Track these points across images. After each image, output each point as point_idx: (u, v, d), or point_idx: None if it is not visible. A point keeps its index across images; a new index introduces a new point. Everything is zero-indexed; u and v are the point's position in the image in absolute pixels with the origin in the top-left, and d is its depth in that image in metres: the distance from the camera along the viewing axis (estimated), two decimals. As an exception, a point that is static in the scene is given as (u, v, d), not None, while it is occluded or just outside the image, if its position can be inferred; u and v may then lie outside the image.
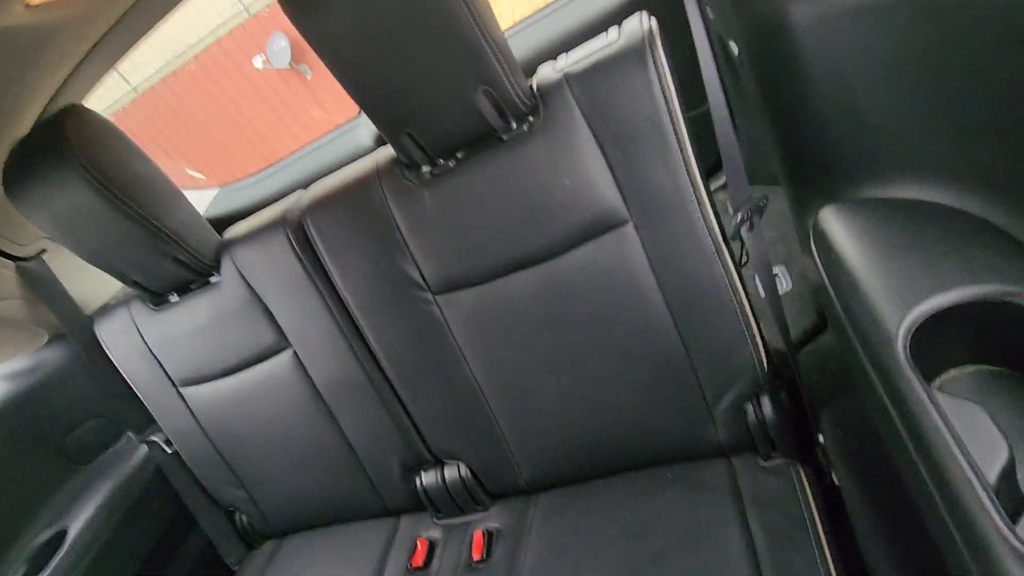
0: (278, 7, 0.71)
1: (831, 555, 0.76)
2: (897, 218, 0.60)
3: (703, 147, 0.79)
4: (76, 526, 1.17)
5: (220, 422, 1.20)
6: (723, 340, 0.85)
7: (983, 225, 0.55)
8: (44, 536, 1.18)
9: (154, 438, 1.28)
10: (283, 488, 1.25)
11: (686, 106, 0.77)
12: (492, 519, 1.09)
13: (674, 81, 0.75)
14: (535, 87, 0.81)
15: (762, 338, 0.86)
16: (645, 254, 0.82)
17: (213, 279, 1.07)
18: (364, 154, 1.00)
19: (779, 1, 0.61)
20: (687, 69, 0.79)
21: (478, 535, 1.05)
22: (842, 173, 0.67)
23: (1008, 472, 0.44)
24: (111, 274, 1.03)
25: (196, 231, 1.03)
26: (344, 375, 1.06)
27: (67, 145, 0.85)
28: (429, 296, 0.95)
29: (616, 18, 0.83)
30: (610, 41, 0.77)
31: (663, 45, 0.74)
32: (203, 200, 1.65)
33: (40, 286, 1.16)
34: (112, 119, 0.97)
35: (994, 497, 0.42)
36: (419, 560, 1.08)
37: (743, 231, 0.79)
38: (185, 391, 1.19)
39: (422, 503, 1.16)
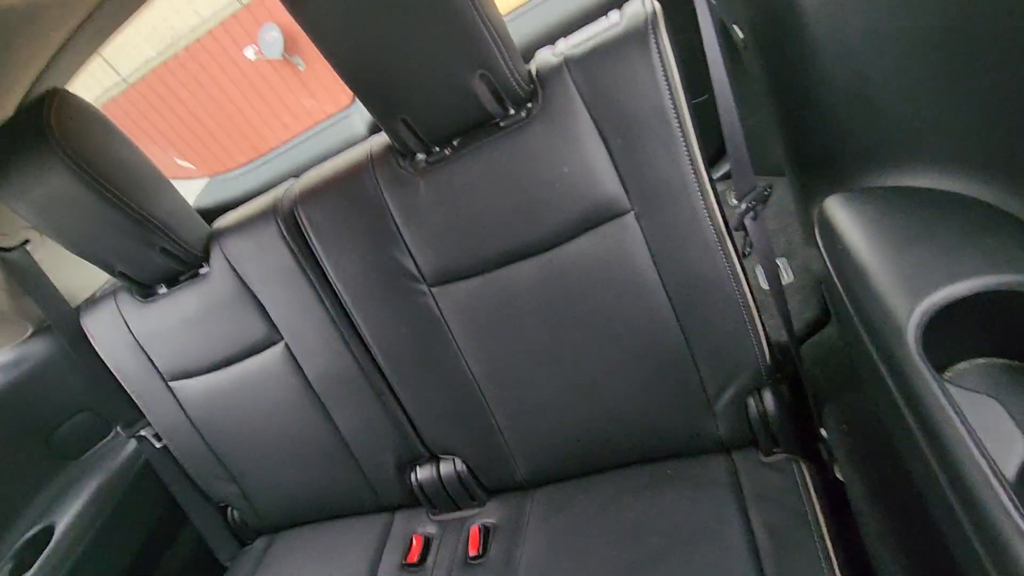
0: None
1: (834, 552, 0.74)
2: (908, 207, 0.58)
3: (703, 136, 0.77)
4: (63, 523, 1.15)
5: (211, 416, 1.18)
6: (725, 333, 0.83)
7: (1001, 215, 0.53)
8: (30, 533, 1.15)
9: (143, 433, 1.26)
10: (276, 483, 1.23)
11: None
12: (489, 515, 1.07)
13: (678, 66, 0.72)
14: (534, 72, 0.79)
15: (764, 331, 0.84)
16: (646, 244, 0.80)
17: (202, 270, 1.04)
18: (358, 143, 0.97)
19: (788, -18, 0.59)
20: (687, 58, 0.77)
21: (474, 531, 1.04)
22: (851, 160, 0.65)
23: (1026, 468, 0.42)
24: (97, 265, 1.00)
25: (184, 221, 1.00)
26: (337, 369, 1.04)
27: (48, 130, 0.82)
28: (424, 288, 0.93)
29: (618, 2, 0.80)
30: (611, 24, 0.75)
31: (667, 29, 0.72)
32: (192, 191, 1.62)
33: (24, 277, 1.13)
34: (102, 110, 0.95)
35: (1012, 494, 0.40)
36: (414, 556, 1.06)
37: (747, 221, 0.77)
38: (174, 385, 1.17)
39: (417, 499, 1.14)
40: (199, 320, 1.07)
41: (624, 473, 0.99)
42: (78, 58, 1.03)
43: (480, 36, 0.70)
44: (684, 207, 0.77)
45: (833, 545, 0.75)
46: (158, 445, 1.26)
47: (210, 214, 1.15)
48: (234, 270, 1.02)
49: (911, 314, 0.50)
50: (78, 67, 1.06)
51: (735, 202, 0.79)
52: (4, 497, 1.17)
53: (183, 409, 1.19)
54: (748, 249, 0.81)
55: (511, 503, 1.07)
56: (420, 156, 0.85)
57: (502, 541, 1.01)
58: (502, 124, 0.80)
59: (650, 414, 0.92)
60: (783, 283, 1.09)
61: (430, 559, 1.06)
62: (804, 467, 0.86)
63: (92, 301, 1.16)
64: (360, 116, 1.41)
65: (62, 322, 1.16)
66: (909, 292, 0.51)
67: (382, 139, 0.90)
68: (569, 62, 0.76)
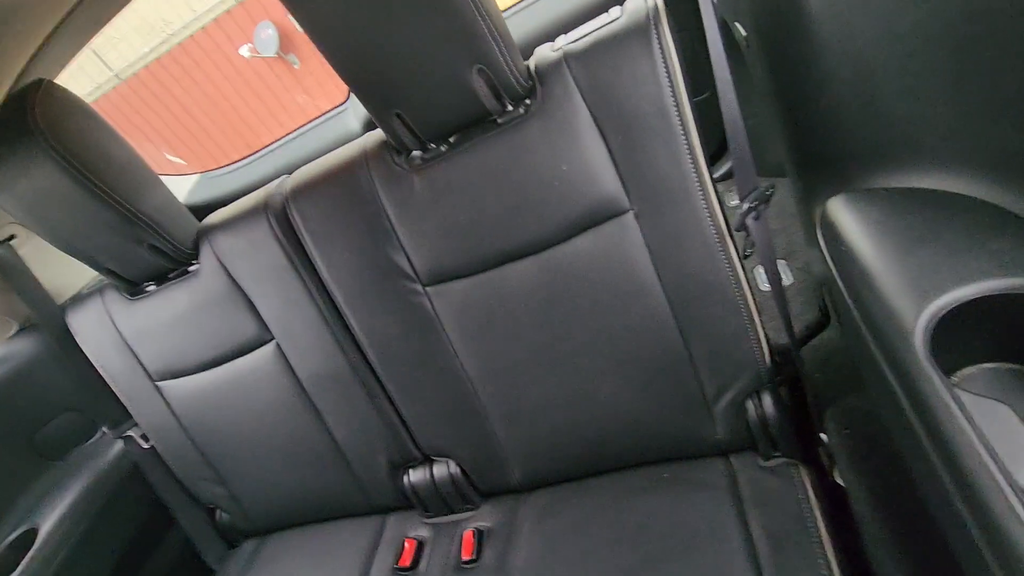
0: None
1: (834, 558, 0.73)
2: (914, 208, 0.57)
3: (703, 135, 0.76)
4: (47, 525, 1.12)
5: (199, 417, 1.16)
6: (724, 334, 0.82)
7: (1008, 217, 0.52)
8: (13, 535, 1.13)
9: (130, 433, 1.24)
10: (265, 485, 1.21)
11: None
12: (483, 518, 1.06)
13: (680, 63, 0.71)
14: (532, 68, 0.77)
15: (764, 333, 0.83)
16: (645, 244, 0.79)
17: (192, 268, 1.02)
18: (352, 140, 0.96)
19: (794, -23, 0.58)
20: (687, 56, 0.76)
21: (468, 535, 1.02)
22: (855, 161, 0.64)
23: (1040, 475, 0.41)
24: (84, 262, 0.98)
25: (174, 217, 0.98)
26: (329, 369, 1.02)
27: (33, 122, 0.80)
28: (419, 287, 0.91)
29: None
30: (612, 19, 0.74)
31: (669, 25, 0.71)
32: (183, 188, 1.59)
33: (8, 274, 1.11)
34: (94, 106, 0.92)
35: None
36: (406, 560, 1.05)
37: (748, 221, 0.76)
38: (162, 385, 1.14)
39: (410, 501, 1.12)
40: (188, 319, 1.05)
41: (620, 476, 0.97)
42: (67, 50, 1.01)
43: (478, 30, 0.68)
44: (684, 206, 0.75)
45: (833, 550, 0.74)
46: (145, 446, 1.24)
47: (201, 211, 1.13)
48: (224, 268, 0.99)
49: (918, 317, 0.49)
50: (68, 59, 1.04)
51: (735, 202, 0.78)
52: (-14, 498, 1.14)
53: (171, 409, 1.16)
54: (749, 250, 0.80)
55: (505, 506, 1.05)
56: (416, 153, 0.84)
57: (496, 545, 0.99)
58: (500, 121, 0.78)
59: (647, 416, 0.91)
60: (783, 285, 1.09)
61: (423, 563, 1.04)
62: (803, 471, 0.85)
63: (78, 298, 1.14)
64: (354, 113, 1.40)
65: (48, 320, 1.14)
66: (916, 295, 0.50)
67: (377, 135, 0.89)
68: (569, 57, 0.75)
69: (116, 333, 1.10)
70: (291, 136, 1.52)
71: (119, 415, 1.23)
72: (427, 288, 0.91)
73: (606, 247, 0.81)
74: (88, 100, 0.92)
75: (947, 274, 0.50)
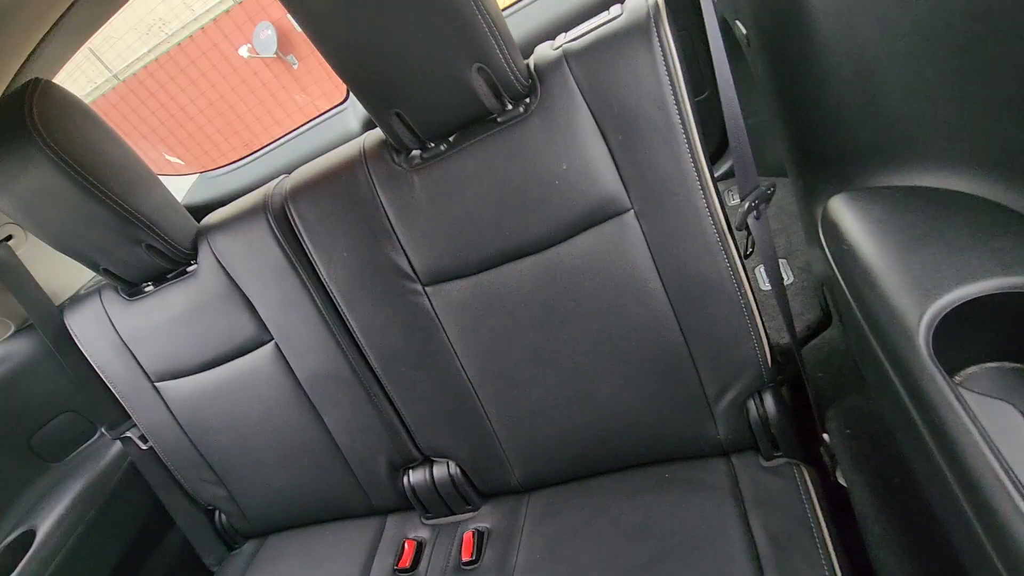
0: None
1: (836, 558, 0.73)
2: (916, 207, 0.57)
3: (703, 135, 0.75)
4: (45, 526, 1.12)
5: (198, 418, 1.15)
6: (726, 334, 0.81)
7: (1011, 215, 0.51)
8: (11, 537, 1.12)
9: (128, 434, 1.23)
10: (265, 486, 1.20)
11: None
12: (483, 519, 1.05)
13: (680, 62, 0.71)
14: (532, 66, 0.77)
15: (765, 332, 0.83)
16: (646, 243, 0.79)
17: (190, 268, 1.02)
18: (351, 140, 0.95)
19: (795, -26, 0.57)
20: (686, 55, 0.75)
21: (468, 536, 1.01)
22: (856, 159, 0.64)
23: (1045, 475, 0.41)
24: (81, 262, 0.97)
25: (172, 217, 0.97)
26: (328, 369, 1.02)
27: (30, 122, 0.79)
28: (418, 287, 0.91)
29: None
30: (612, 17, 0.73)
31: (669, 23, 0.70)
32: (181, 188, 1.59)
33: (6, 274, 1.10)
34: (93, 107, 0.92)
35: None
36: (406, 561, 1.04)
37: (749, 220, 0.75)
38: (161, 386, 1.14)
39: (410, 502, 1.12)
40: (187, 319, 1.04)
41: (621, 477, 0.97)
42: (65, 50, 1.00)
43: (477, 29, 0.68)
44: (685, 205, 0.75)
45: (835, 551, 0.74)
46: (144, 447, 1.23)
47: (199, 211, 1.12)
48: (223, 268, 0.99)
49: (921, 316, 0.48)
50: (65, 59, 1.04)
51: (735, 201, 0.77)
52: (-17, 500, 1.13)
53: (169, 410, 1.16)
54: (750, 249, 0.80)
55: (506, 507, 1.05)
56: (415, 152, 0.83)
57: (496, 546, 0.99)
58: (499, 120, 0.78)
59: (648, 416, 0.90)
60: (784, 284, 1.08)
61: (422, 564, 1.04)
62: (805, 471, 0.84)
63: (76, 299, 1.13)
64: (354, 112, 1.39)
65: (45, 321, 1.13)
66: (918, 294, 0.50)
67: (376, 135, 0.88)
68: (568, 56, 0.74)
69: (114, 334, 1.10)
70: (290, 136, 1.52)
71: (118, 416, 1.22)
72: (427, 288, 0.91)
73: (606, 246, 0.80)
74: (86, 100, 0.92)
75: (949, 273, 0.49)
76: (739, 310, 0.79)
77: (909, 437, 0.54)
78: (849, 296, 0.59)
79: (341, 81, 0.76)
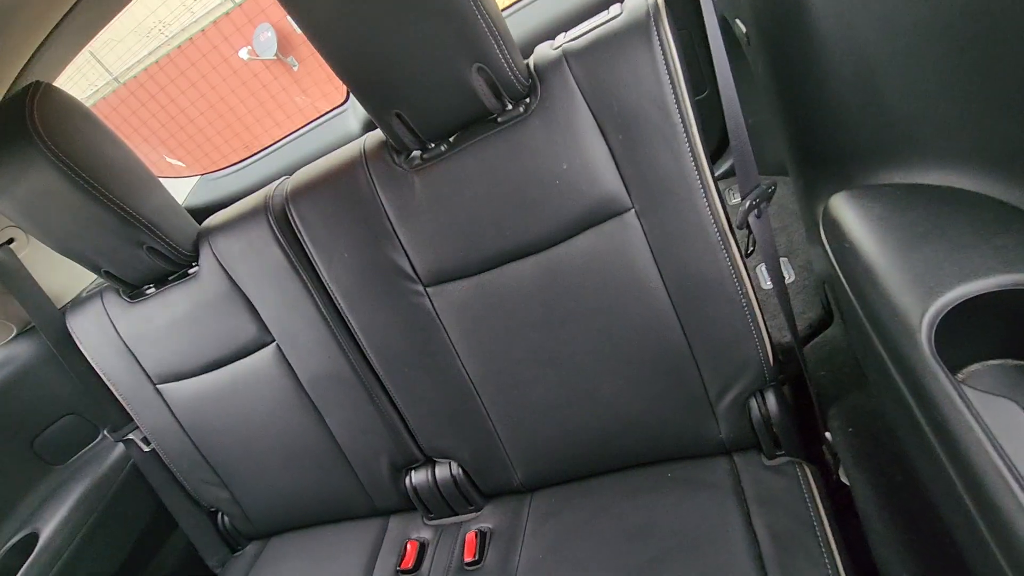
0: None
1: (839, 557, 0.73)
2: (917, 204, 0.57)
3: (703, 134, 0.75)
4: (48, 529, 1.12)
5: (200, 419, 1.15)
6: (727, 333, 0.81)
7: (1013, 212, 0.51)
8: (13, 540, 1.12)
9: (131, 436, 1.23)
10: (267, 488, 1.20)
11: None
12: (485, 519, 1.05)
13: (680, 61, 0.70)
14: (532, 66, 0.77)
15: (767, 331, 0.83)
16: (647, 243, 0.79)
17: (192, 270, 1.02)
18: (352, 141, 0.95)
19: (795, -28, 0.57)
20: (686, 54, 0.75)
21: (470, 536, 1.01)
22: (857, 157, 0.64)
23: (1049, 473, 0.40)
24: (82, 265, 0.97)
25: (173, 219, 0.97)
26: (330, 370, 1.02)
27: (31, 125, 0.79)
28: (419, 287, 0.91)
29: None
30: (612, 16, 0.73)
31: (669, 22, 0.70)
32: (182, 190, 1.59)
33: (7, 277, 1.11)
34: (93, 109, 0.92)
35: None
36: (409, 562, 1.04)
37: (750, 219, 0.75)
38: (163, 388, 1.14)
39: (412, 503, 1.12)
40: (188, 321, 1.04)
41: (623, 476, 0.97)
42: (65, 53, 1.00)
43: (477, 29, 0.68)
44: (686, 204, 0.75)
45: (837, 549, 0.74)
46: (146, 449, 1.23)
47: (200, 213, 1.12)
48: (224, 270, 0.99)
49: (924, 314, 0.48)
50: (66, 62, 1.04)
51: (736, 200, 0.77)
52: (-14, 503, 1.14)
53: (172, 412, 1.16)
54: (751, 248, 0.80)
55: (508, 507, 1.05)
56: (415, 152, 0.83)
57: (499, 546, 0.99)
58: (500, 120, 0.78)
59: (650, 416, 0.90)
60: (785, 283, 1.08)
61: (425, 565, 1.04)
62: (807, 470, 0.84)
63: (78, 302, 1.13)
64: (354, 113, 1.39)
65: (47, 323, 1.14)
66: (921, 291, 0.50)
67: (377, 136, 0.88)
68: (568, 55, 0.74)
69: (116, 336, 1.10)
70: (290, 137, 1.52)
71: (120, 418, 1.22)
72: (428, 288, 0.91)
73: (607, 246, 0.80)
74: (87, 103, 0.92)
75: (951, 270, 0.49)
76: (740, 309, 0.79)
77: (912, 435, 0.54)
78: (851, 294, 0.59)
79: (341, 82, 0.76)
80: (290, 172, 0.98)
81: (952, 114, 0.54)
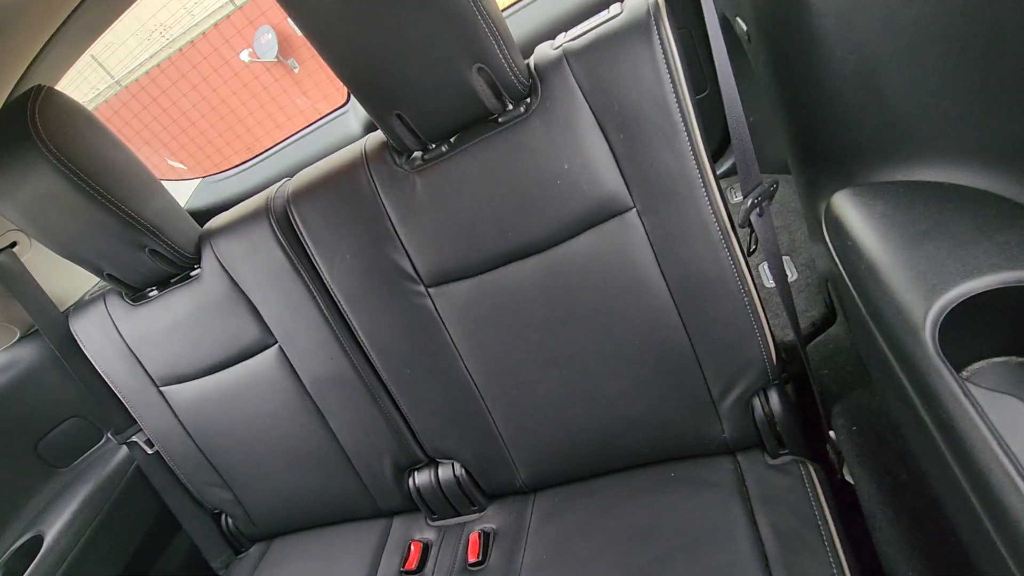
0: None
1: (844, 556, 0.72)
2: (920, 201, 0.57)
3: (704, 133, 0.75)
4: (53, 532, 1.12)
5: (204, 422, 1.16)
6: (730, 332, 0.81)
7: (1016, 208, 0.51)
8: (19, 543, 1.13)
9: (134, 439, 1.23)
10: (270, 489, 1.20)
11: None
12: (489, 520, 1.05)
13: (681, 59, 0.70)
14: (533, 66, 0.77)
15: (770, 330, 0.82)
16: (649, 242, 0.78)
17: (194, 272, 1.02)
18: (353, 142, 0.95)
19: (795, -30, 0.57)
20: (686, 53, 0.75)
21: (474, 537, 1.01)
22: (859, 155, 0.63)
23: (1054, 471, 0.40)
24: (85, 268, 0.97)
25: (175, 222, 0.98)
26: (332, 372, 1.02)
27: (33, 128, 0.79)
28: (421, 288, 0.91)
29: None
30: (612, 15, 0.73)
31: (669, 21, 0.70)
32: (184, 193, 1.59)
33: (10, 281, 1.11)
34: (96, 112, 0.92)
35: None
36: (412, 563, 1.04)
37: (752, 218, 0.75)
38: (166, 390, 1.14)
39: (415, 504, 1.12)
40: (191, 323, 1.04)
41: (627, 476, 0.97)
42: (67, 56, 1.01)
43: (477, 29, 0.68)
44: (688, 203, 0.75)
45: (842, 548, 0.74)
46: (150, 451, 1.23)
47: (202, 216, 1.12)
48: (226, 272, 0.99)
49: (927, 312, 0.48)
50: (67, 65, 1.04)
51: (738, 198, 0.77)
52: (-9, 506, 1.14)
53: (175, 414, 1.16)
54: (753, 246, 0.79)
55: (511, 508, 1.05)
56: (416, 153, 0.83)
57: (503, 547, 0.99)
58: (500, 120, 0.78)
59: (653, 416, 0.90)
60: (788, 281, 1.08)
61: (429, 565, 1.04)
62: (812, 469, 0.84)
63: (81, 305, 1.14)
64: (355, 115, 1.39)
65: (50, 326, 1.14)
66: (924, 289, 0.50)
67: (378, 137, 0.88)
68: (569, 55, 0.74)
69: (119, 339, 1.10)
70: (292, 139, 1.52)
71: (123, 421, 1.22)
72: (429, 289, 0.91)
73: (609, 245, 0.80)
74: (89, 106, 0.92)
75: (955, 267, 0.49)
76: (743, 308, 0.79)
77: (916, 433, 0.53)
78: (854, 292, 0.59)
79: (342, 84, 0.76)
80: (291, 174, 0.98)
81: (953, 111, 0.54)
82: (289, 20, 0.69)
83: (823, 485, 0.82)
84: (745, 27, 0.83)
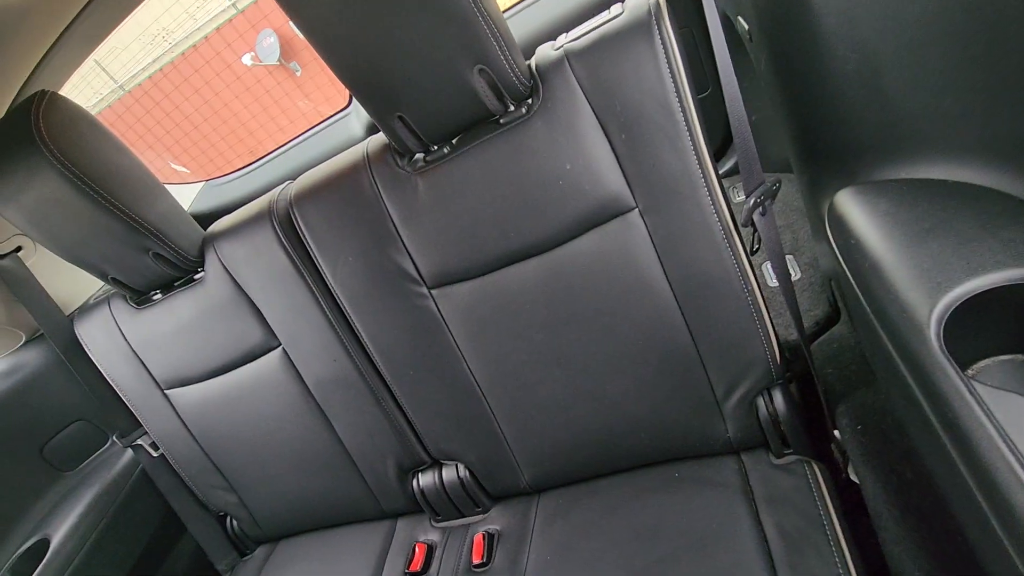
0: (266, 3, 0.66)
1: (850, 556, 0.72)
2: (923, 199, 0.57)
3: (706, 132, 0.75)
4: (59, 535, 1.12)
5: (208, 424, 1.16)
6: (733, 331, 0.81)
7: (1019, 205, 0.51)
8: (25, 546, 1.13)
9: (140, 442, 1.24)
10: (275, 492, 1.21)
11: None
12: (493, 521, 1.05)
13: (682, 59, 0.70)
14: (534, 67, 0.77)
15: (773, 329, 0.82)
16: (651, 242, 0.78)
17: (197, 276, 1.02)
18: (355, 144, 0.95)
19: (796, -32, 0.57)
20: (688, 53, 0.75)
21: (478, 538, 1.01)
22: (862, 153, 0.63)
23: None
24: (90, 272, 0.98)
25: (178, 225, 0.98)
26: (336, 374, 1.02)
27: (37, 133, 0.80)
28: (424, 290, 0.91)
29: None
30: (613, 15, 0.73)
31: (671, 20, 0.70)
32: (188, 196, 1.60)
33: (16, 285, 1.11)
34: (100, 117, 0.93)
35: None
36: (417, 564, 1.04)
37: (755, 217, 0.75)
38: (171, 393, 1.15)
39: (419, 505, 1.12)
40: (195, 326, 1.05)
41: (631, 476, 0.97)
42: (70, 61, 1.01)
43: (478, 30, 0.68)
44: (690, 203, 0.75)
45: (848, 548, 0.73)
46: (155, 454, 1.24)
47: (206, 219, 1.13)
48: (230, 275, 1.00)
49: (932, 310, 0.48)
50: (71, 71, 1.05)
51: (740, 198, 0.77)
52: (-2, 510, 1.14)
53: (180, 417, 1.17)
54: (756, 246, 0.79)
55: (516, 509, 1.05)
56: (418, 155, 0.84)
57: (507, 548, 0.99)
58: (502, 121, 0.78)
59: (657, 416, 0.90)
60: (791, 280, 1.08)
61: (433, 567, 1.04)
62: (816, 468, 0.84)
63: (86, 309, 1.14)
64: (357, 117, 1.40)
65: (56, 330, 1.14)
66: (928, 287, 0.49)
67: (380, 139, 0.88)
68: (570, 55, 0.74)
69: (124, 342, 1.10)
70: (294, 142, 1.52)
71: (128, 424, 1.23)
72: (432, 291, 0.91)
73: (611, 246, 0.80)
74: (92, 111, 0.93)
75: (959, 265, 0.49)
76: (746, 307, 0.79)
77: (922, 432, 0.53)
78: (858, 291, 0.59)
79: (344, 86, 0.76)
80: (294, 177, 0.98)
81: (956, 108, 0.54)
82: (291, 23, 0.70)
83: (828, 484, 0.81)
84: (746, 26, 0.83)
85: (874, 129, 0.61)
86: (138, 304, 1.07)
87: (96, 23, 0.96)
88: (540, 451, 0.99)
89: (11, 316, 1.16)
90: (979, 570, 0.50)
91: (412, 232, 0.87)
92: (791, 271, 1.11)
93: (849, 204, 0.62)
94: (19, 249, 1.13)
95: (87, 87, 5.41)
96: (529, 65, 0.77)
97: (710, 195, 0.74)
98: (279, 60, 4.95)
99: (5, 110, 0.93)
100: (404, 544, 1.11)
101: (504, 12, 0.85)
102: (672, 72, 0.70)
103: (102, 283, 1.28)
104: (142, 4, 1.00)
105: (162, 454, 1.24)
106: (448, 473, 1.06)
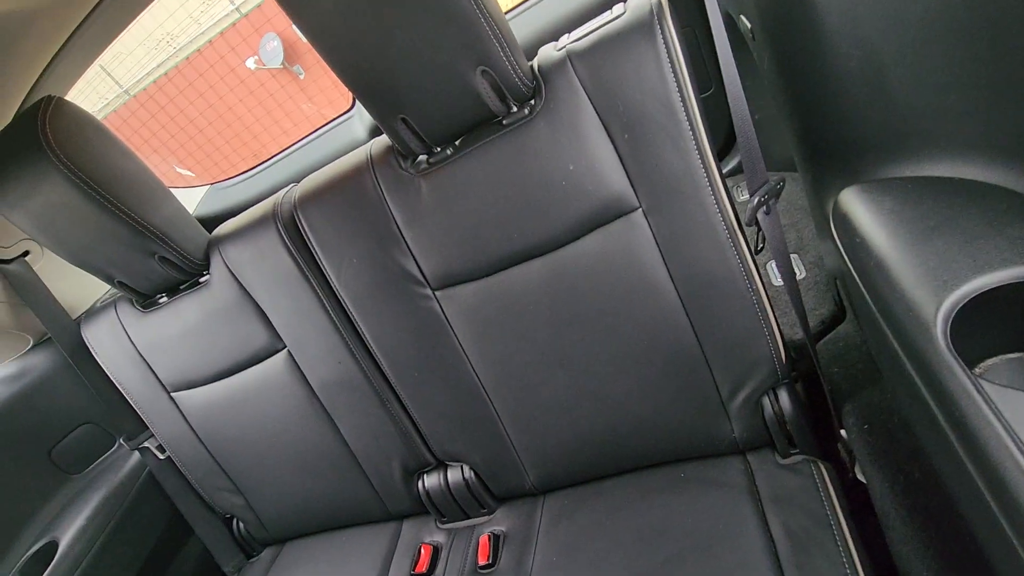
0: (269, 7, 0.66)
1: (857, 556, 0.72)
2: (928, 197, 0.56)
3: (709, 132, 0.75)
4: (67, 537, 1.13)
5: (214, 427, 1.16)
6: (738, 331, 0.81)
7: None
8: (34, 549, 1.14)
9: (147, 444, 1.24)
10: (281, 494, 1.21)
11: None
12: (498, 522, 1.05)
13: (685, 58, 0.70)
14: (536, 68, 0.77)
15: (778, 328, 0.82)
16: (655, 242, 0.78)
17: (203, 279, 1.03)
18: (358, 147, 0.96)
19: (799, -34, 0.57)
20: (690, 52, 0.75)
21: (484, 539, 1.01)
22: (866, 151, 0.63)
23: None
24: (96, 275, 0.99)
25: (184, 229, 0.98)
26: (341, 376, 1.02)
27: (44, 138, 0.80)
28: (428, 291, 0.91)
29: None
30: (615, 16, 0.73)
31: (673, 20, 0.70)
32: (193, 200, 1.61)
33: (23, 289, 1.12)
34: (104, 122, 0.93)
35: None
36: (423, 566, 1.04)
37: (759, 216, 0.75)
38: (177, 396, 1.15)
39: (425, 507, 1.12)
40: (201, 329, 1.05)
41: (636, 477, 0.96)
42: (75, 67, 1.02)
43: (480, 31, 0.68)
44: (694, 203, 0.74)
45: (855, 548, 0.73)
46: (161, 457, 1.24)
47: (211, 222, 1.13)
48: (235, 277, 1.00)
49: (938, 308, 0.48)
50: (76, 76, 1.05)
51: (744, 197, 0.77)
52: (6, 512, 1.15)
53: (186, 420, 1.17)
54: (760, 245, 0.79)
55: (521, 510, 1.05)
56: (421, 157, 0.84)
57: (513, 549, 0.98)
58: (505, 122, 0.78)
59: (662, 416, 0.90)
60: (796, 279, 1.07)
61: (439, 568, 1.04)
62: (823, 468, 0.83)
63: (92, 312, 1.15)
64: (360, 119, 1.40)
65: (63, 334, 1.15)
66: (934, 285, 0.49)
67: (383, 141, 0.89)
68: (572, 56, 0.74)
69: (130, 345, 1.11)
70: (298, 145, 1.53)
71: (135, 427, 1.23)
72: (436, 292, 0.91)
73: (615, 246, 0.80)
74: (98, 116, 0.93)
75: (965, 263, 0.49)
76: (751, 307, 0.79)
77: (929, 431, 0.53)
78: (863, 289, 0.59)
79: (347, 89, 0.76)
80: (298, 179, 0.99)
81: (960, 105, 0.54)
82: (294, 27, 0.70)
83: (835, 484, 0.81)
84: (749, 25, 0.82)
85: (878, 127, 0.61)
86: (144, 307, 1.08)
87: (101, 29, 0.96)
88: (545, 452, 0.99)
89: (19, 320, 1.17)
90: (987, 570, 0.50)
91: (416, 234, 0.87)
92: (796, 270, 1.11)
93: (854, 202, 0.61)
94: (26, 254, 1.14)
95: (93, 92, 5.44)
96: (531, 66, 0.77)
97: (714, 194, 0.74)
98: (283, 63, 4.97)
99: (12, 116, 0.94)
100: (410, 545, 1.11)
101: (506, 13, 0.85)
102: (674, 72, 0.70)
103: (108, 287, 1.29)
104: (146, 10, 1.01)
105: (169, 456, 1.24)
106: (453, 474, 1.06)
